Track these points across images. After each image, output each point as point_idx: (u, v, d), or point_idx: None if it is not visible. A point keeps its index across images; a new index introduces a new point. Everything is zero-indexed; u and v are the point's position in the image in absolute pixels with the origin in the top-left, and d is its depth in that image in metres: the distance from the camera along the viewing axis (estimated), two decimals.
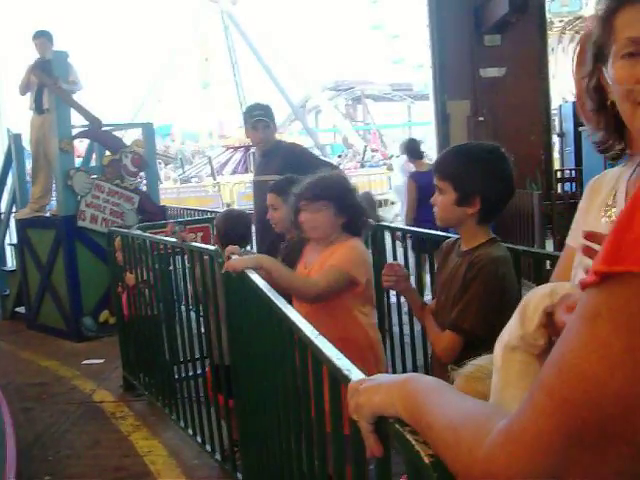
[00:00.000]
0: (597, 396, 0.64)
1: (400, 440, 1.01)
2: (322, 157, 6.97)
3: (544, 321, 1.49)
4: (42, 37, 7.85)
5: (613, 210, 1.35)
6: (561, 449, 0.66)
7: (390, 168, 20.90)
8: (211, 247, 3.95)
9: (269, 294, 2.47)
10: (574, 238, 1.50)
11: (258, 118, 5.39)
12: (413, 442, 0.97)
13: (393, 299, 4.55)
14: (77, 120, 7.83)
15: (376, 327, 3.38)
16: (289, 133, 32.55)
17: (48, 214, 8.26)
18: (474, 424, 0.80)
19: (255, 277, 2.80)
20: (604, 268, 0.65)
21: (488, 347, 2.22)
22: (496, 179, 2.51)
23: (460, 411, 0.86)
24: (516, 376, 1.50)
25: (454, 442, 0.81)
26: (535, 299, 1.65)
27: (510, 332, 1.64)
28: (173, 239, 4.50)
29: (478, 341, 2.43)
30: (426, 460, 0.93)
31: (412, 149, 8.27)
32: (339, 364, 1.54)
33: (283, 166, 4.79)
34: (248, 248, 4.36)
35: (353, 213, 3.24)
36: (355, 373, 1.42)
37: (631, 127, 1.24)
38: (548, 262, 3.16)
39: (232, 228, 4.34)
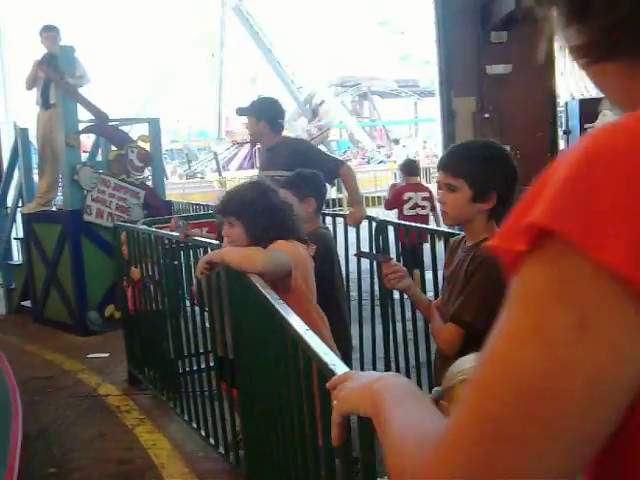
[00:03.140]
0: (511, 374, 0.63)
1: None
2: (328, 153, 6.99)
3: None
4: (49, 31, 7.86)
5: None
6: (477, 442, 0.64)
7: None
8: (214, 241, 3.97)
9: (263, 291, 2.51)
10: None
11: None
12: None
13: (396, 295, 4.57)
14: (84, 115, 7.86)
15: None
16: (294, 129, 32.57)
17: (54, 208, 8.29)
18: (420, 437, 0.77)
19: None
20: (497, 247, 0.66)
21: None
22: (509, 174, 2.57)
23: (417, 422, 0.84)
24: None
25: (398, 450, 0.79)
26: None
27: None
28: (176, 234, 4.52)
29: (480, 333, 2.45)
30: None
31: None
32: (326, 359, 1.56)
33: (290, 161, 4.81)
34: None
35: (270, 218, 3.23)
36: (341, 368, 1.44)
37: None
38: None
39: None
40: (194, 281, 4.43)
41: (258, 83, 39.07)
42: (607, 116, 2.62)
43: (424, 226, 4.54)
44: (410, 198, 7.86)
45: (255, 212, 3.22)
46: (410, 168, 8.40)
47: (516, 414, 0.62)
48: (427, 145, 30.95)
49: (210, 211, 5.94)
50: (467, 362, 1.76)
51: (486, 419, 0.64)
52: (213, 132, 39.11)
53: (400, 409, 0.89)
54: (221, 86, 38.68)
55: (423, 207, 7.87)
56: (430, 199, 7.90)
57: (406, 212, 7.78)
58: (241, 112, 5.52)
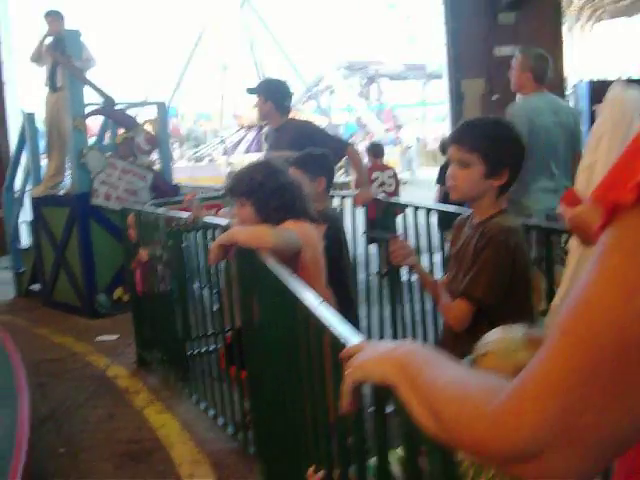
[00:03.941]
0: (615, 324, 0.61)
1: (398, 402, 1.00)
2: (334, 135, 6.95)
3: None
4: (53, 15, 7.86)
5: None
6: (572, 388, 0.63)
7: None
8: (224, 222, 3.96)
9: (274, 267, 2.51)
10: None
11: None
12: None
13: (404, 276, 4.57)
14: (91, 98, 7.85)
15: None
16: (302, 112, 32.40)
17: (62, 192, 8.30)
18: (486, 382, 0.76)
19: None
20: (601, 200, 0.65)
21: (498, 315, 2.24)
22: (520, 152, 2.58)
23: (468, 372, 0.84)
24: None
25: (461, 395, 0.77)
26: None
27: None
28: (186, 215, 4.52)
29: (489, 309, 2.45)
30: None
31: None
32: (338, 331, 1.55)
33: (295, 142, 4.80)
34: None
35: (280, 198, 3.22)
36: (354, 340, 1.44)
37: None
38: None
39: None
40: None
41: (230, 70, 38.75)
42: (618, 84, 2.60)
43: (431, 205, 4.52)
44: (377, 177, 8.66)
45: (265, 192, 3.22)
46: (376, 150, 9.23)
47: (619, 365, 0.61)
48: (442, 124, 30.64)
49: (218, 194, 5.95)
50: (495, 334, 1.74)
51: (584, 369, 0.62)
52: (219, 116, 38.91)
53: (442, 367, 0.87)
54: (188, 64, 38.33)
55: (390, 185, 8.74)
56: (394, 177, 8.90)
57: (374, 190, 8.16)
58: (250, 91, 5.53)
